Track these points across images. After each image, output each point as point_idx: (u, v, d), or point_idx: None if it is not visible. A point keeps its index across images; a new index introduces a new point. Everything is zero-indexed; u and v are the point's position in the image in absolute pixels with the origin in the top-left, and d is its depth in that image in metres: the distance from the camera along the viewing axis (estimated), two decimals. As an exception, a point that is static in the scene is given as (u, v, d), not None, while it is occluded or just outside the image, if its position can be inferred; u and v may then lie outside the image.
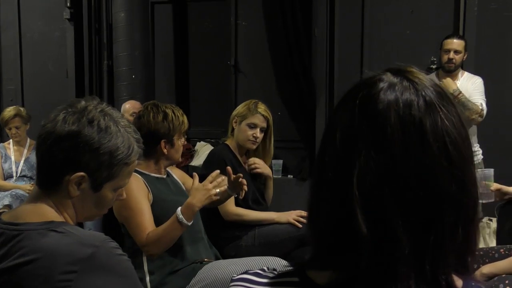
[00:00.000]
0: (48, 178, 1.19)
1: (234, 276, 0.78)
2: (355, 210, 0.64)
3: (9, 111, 4.25)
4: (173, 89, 5.17)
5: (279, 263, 2.15)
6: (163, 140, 2.21)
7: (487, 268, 2.09)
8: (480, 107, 3.53)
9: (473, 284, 0.69)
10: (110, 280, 1.08)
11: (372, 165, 0.64)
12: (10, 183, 4.21)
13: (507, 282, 1.96)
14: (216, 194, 2.07)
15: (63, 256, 1.05)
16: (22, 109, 4.37)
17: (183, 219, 2.00)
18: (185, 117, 2.27)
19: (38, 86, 5.32)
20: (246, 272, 0.77)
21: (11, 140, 4.34)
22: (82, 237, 1.09)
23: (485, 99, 3.60)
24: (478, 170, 2.77)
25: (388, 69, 0.72)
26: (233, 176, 2.19)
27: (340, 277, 0.66)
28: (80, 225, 4.00)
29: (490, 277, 2.05)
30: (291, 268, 0.75)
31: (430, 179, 0.64)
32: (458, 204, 0.65)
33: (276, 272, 0.76)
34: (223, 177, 2.14)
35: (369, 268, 0.64)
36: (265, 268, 0.78)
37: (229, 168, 2.26)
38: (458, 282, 0.68)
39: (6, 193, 3.98)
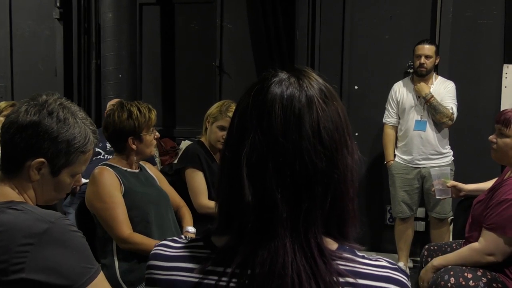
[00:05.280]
0: (11, 163, 1.31)
1: (157, 243, 0.91)
2: (243, 182, 0.77)
3: (6, 102, 4.35)
4: (159, 89, 5.28)
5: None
6: (130, 137, 2.29)
7: (437, 261, 2.22)
8: (451, 111, 3.65)
9: (347, 248, 0.81)
10: (64, 253, 1.19)
11: (258, 145, 0.77)
12: None
13: (451, 273, 2.09)
14: None
15: (21, 230, 1.17)
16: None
17: None
18: (152, 112, 2.34)
19: (28, 84, 5.40)
20: (166, 239, 0.90)
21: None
22: (38, 214, 1.21)
23: (456, 103, 3.71)
24: (436, 168, 2.89)
25: (287, 68, 0.86)
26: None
27: (232, 239, 0.79)
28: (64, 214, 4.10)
29: (439, 268, 2.18)
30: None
31: (305, 158, 0.76)
32: (328, 178, 0.77)
33: (189, 239, 0.89)
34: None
35: (253, 230, 0.77)
36: (183, 236, 0.92)
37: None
38: (334, 245, 0.81)
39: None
